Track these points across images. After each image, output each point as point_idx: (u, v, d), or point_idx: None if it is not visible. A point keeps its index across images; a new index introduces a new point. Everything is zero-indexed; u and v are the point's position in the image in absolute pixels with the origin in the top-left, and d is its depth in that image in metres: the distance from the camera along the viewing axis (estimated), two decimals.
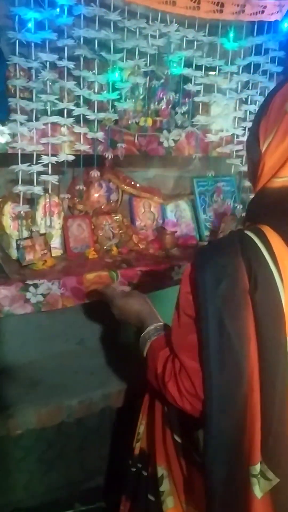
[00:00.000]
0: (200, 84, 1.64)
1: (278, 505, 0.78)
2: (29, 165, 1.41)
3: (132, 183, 1.83)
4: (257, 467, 0.77)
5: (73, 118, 1.44)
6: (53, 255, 1.59)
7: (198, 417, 0.84)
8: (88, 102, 1.48)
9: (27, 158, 1.41)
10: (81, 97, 1.45)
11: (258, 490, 0.77)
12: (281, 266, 0.75)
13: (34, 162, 1.42)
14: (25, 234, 1.53)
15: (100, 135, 1.49)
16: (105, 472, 1.70)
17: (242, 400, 0.77)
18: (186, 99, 1.67)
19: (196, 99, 1.66)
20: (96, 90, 1.48)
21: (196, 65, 1.61)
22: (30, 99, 1.38)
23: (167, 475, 1.02)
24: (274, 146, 0.81)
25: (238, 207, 1.93)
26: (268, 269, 0.75)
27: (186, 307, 0.83)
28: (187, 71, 1.61)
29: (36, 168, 1.42)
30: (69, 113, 1.43)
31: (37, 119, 1.39)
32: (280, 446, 0.77)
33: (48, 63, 1.38)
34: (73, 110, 1.43)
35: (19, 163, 1.39)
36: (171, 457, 1.01)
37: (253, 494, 0.77)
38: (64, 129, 1.44)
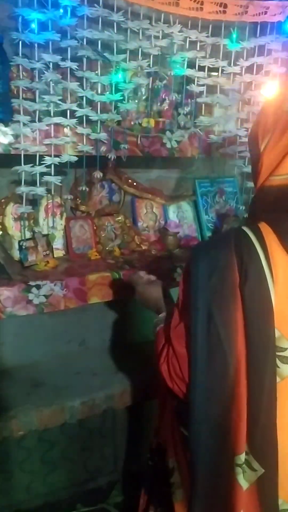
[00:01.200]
0: (203, 85, 1.64)
1: (263, 496, 0.79)
2: (32, 166, 1.41)
3: (135, 184, 1.83)
4: (242, 457, 0.78)
5: (76, 119, 1.44)
6: (55, 256, 1.59)
7: (184, 400, 0.87)
8: (91, 103, 1.48)
9: (30, 159, 1.41)
10: (84, 98, 1.45)
11: (243, 480, 0.79)
12: (272, 262, 0.77)
13: (37, 163, 1.42)
14: (28, 235, 1.53)
15: (103, 136, 1.49)
16: (108, 473, 1.70)
17: (227, 391, 0.79)
18: (189, 100, 1.67)
19: (199, 100, 1.66)
20: (99, 91, 1.48)
21: (199, 66, 1.61)
22: (33, 100, 1.38)
23: (177, 467, 1.04)
24: (272, 144, 0.83)
25: (240, 208, 1.93)
26: (259, 263, 0.77)
27: (182, 297, 0.87)
28: (190, 72, 1.61)
29: (39, 169, 1.42)
30: (72, 114, 1.43)
31: (40, 120, 1.39)
32: (267, 437, 0.78)
33: (51, 64, 1.38)
34: (76, 111, 1.43)
35: (22, 164, 1.40)
36: (179, 450, 1.03)
37: (238, 483, 0.79)
38: (67, 130, 1.44)
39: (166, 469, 1.07)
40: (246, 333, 0.77)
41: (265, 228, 0.80)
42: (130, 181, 1.81)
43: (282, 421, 0.77)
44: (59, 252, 1.64)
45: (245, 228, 0.81)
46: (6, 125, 1.34)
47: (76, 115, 1.44)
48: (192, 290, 0.81)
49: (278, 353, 0.77)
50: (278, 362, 0.77)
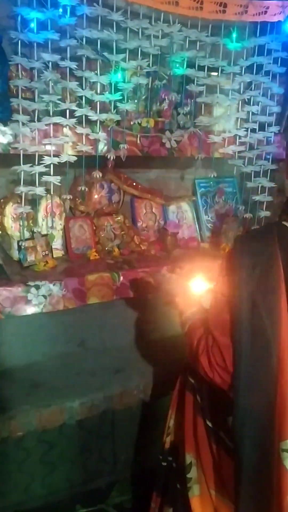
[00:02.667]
0: (203, 84, 1.63)
1: None
2: (31, 166, 1.41)
3: (134, 184, 1.82)
4: None
5: (75, 119, 1.43)
6: (54, 256, 1.59)
7: (227, 390, 0.89)
8: (90, 103, 1.47)
9: (29, 158, 1.41)
10: (84, 98, 1.45)
11: None
12: None
13: (36, 163, 1.42)
14: (27, 235, 1.52)
15: (102, 136, 1.49)
16: (107, 474, 1.69)
17: (271, 378, 0.81)
18: (189, 100, 1.67)
19: (198, 100, 1.65)
20: (98, 91, 1.47)
21: (198, 66, 1.61)
22: (32, 100, 1.38)
23: (195, 462, 1.05)
24: None
25: (240, 208, 1.93)
26: None
27: (223, 288, 0.89)
28: (189, 72, 1.61)
29: (38, 168, 1.42)
30: (71, 113, 1.43)
31: (39, 120, 1.39)
32: None
33: (50, 63, 1.37)
34: (75, 110, 1.43)
35: (21, 164, 1.39)
36: (201, 444, 1.04)
37: (285, 467, 0.79)
38: (66, 130, 1.44)
39: (181, 466, 1.07)
40: None
41: None
42: (129, 181, 1.81)
43: None
44: (58, 252, 1.64)
45: (286, 223, 0.84)
46: (5, 124, 1.34)
47: (75, 115, 1.43)
48: (236, 282, 0.84)
49: None
50: None
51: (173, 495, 1.11)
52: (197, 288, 1.20)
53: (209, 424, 1.04)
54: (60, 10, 1.37)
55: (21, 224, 1.52)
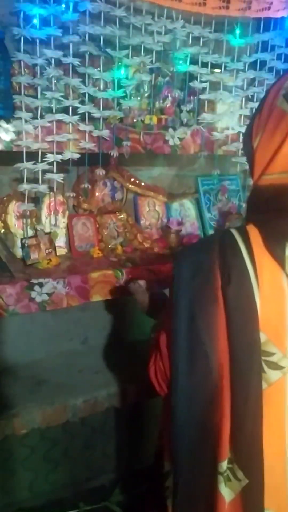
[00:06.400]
0: (206, 81, 1.62)
1: (248, 508, 0.75)
2: (34, 163, 1.40)
3: (137, 181, 1.82)
4: (224, 465, 0.75)
5: (78, 116, 1.43)
6: (58, 254, 1.59)
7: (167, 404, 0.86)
8: (93, 100, 1.47)
9: (32, 156, 1.40)
10: (86, 95, 1.44)
11: (226, 489, 0.75)
12: (257, 264, 0.74)
13: (39, 160, 1.41)
14: (30, 233, 1.52)
15: (105, 133, 1.48)
16: (110, 472, 1.69)
17: (210, 395, 0.75)
18: (192, 96, 1.66)
19: (201, 96, 1.65)
20: (101, 88, 1.47)
21: (202, 62, 1.60)
22: (35, 97, 1.37)
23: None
24: (264, 142, 0.78)
25: (243, 205, 1.92)
26: (243, 265, 0.74)
27: (168, 299, 0.86)
28: (192, 68, 1.60)
29: (41, 166, 1.41)
30: (74, 110, 1.42)
31: (42, 117, 1.38)
32: (252, 446, 0.74)
33: (53, 60, 1.36)
34: (78, 107, 1.42)
35: (24, 161, 1.38)
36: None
37: (220, 493, 0.75)
38: (69, 127, 1.43)
39: (162, 473, 1.04)
40: (229, 337, 0.74)
41: (252, 230, 0.77)
42: (132, 178, 1.80)
43: (268, 429, 0.73)
44: (61, 250, 1.63)
45: (232, 230, 0.79)
46: (8, 121, 1.33)
47: (78, 112, 1.43)
48: (174, 293, 0.79)
49: (264, 358, 0.73)
50: (264, 367, 0.73)
51: (156, 499, 1.06)
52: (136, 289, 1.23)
53: None
54: (63, 6, 1.36)
55: (24, 222, 1.51)
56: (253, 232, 0.76)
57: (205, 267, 0.76)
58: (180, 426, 0.79)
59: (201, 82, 1.62)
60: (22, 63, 1.34)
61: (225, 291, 0.74)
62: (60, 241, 1.63)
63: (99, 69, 1.45)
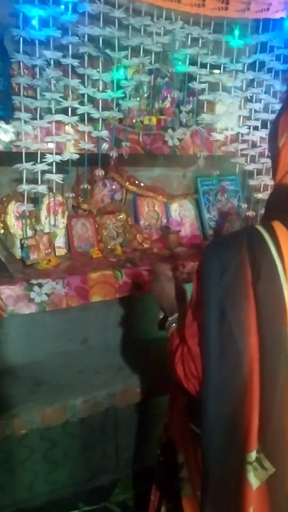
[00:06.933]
0: (205, 82, 1.63)
1: (273, 495, 0.79)
2: (33, 164, 1.41)
3: (136, 182, 1.82)
4: (253, 455, 0.78)
5: (78, 117, 1.43)
6: (57, 254, 1.59)
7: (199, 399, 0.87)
8: (92, 101, 1.47)
9: (31, 156, 1.40)
10: (86, 95, 1.44)
11: (254, 478, 0.78)
12: (286, 261, 0.76)
13: (39, 161, 1.42)
14: (29, 233, 1.52)
15: (104, 133, 1.48)
16: (110, 472, 1.69)
17: (240, 388, 0.78)
18: (191, 97, 1.66)
19: (201, 97, 1.65)
20: (100, 88, 1.47)
21: (201, 63, 1.60)
22: (34, 97, 1.37)
23: (186, 462, 1.05)
24: None
25: (242, 206, 1.92)
26: (272, 262, 0.76)
27: (195, 297, 0.87)
28: (192, 69, 1.60)
29: (41, 167, 1.42)
30: (74, 111, 1.43)
31: (41, 118, 1.38)
32: (279, 436, 0.78)
33: (52, 60, 1.37)
34: (77, 108, 1.43)
35: (23, 162, 1.39)
36: (188, 446, 1.03)
37: (248, 481, 0.78)
38: (68, 128, 1.44)
39: (176, 464, 1.07)
40: (258, 332, 0.77)
41: (278, 226, 0.79)
42: (132, 179, 1.80)
43: None
44: (61, 251, 1.63)
45: (258, 227, 0.81)
46: (7, 122, 1.33)
47: (78, 113, 1.43)
48: (204, 289, 0.81)
49: None
50: None
51: (170, 490, 1.11)
52: (162, 271, 1.12)
53: (193, 427, 1.01)
54: (62, 7, 1.36)
55: (24, 222, 1.51)
56: (280, 229, 0.79)
57: (235, 264, 0.78)
58: (211, 419, 0.82)
59: (200, 83, 1.62)
60: (21, 64, 1.34)
61: (255, 287, 0.76)
62: (60, 242, 1.63)
63: (98, 70, 1.45)
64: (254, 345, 0.77)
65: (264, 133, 1.77)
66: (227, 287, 0.79)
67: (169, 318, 1.04)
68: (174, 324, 1.01)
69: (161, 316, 1.13)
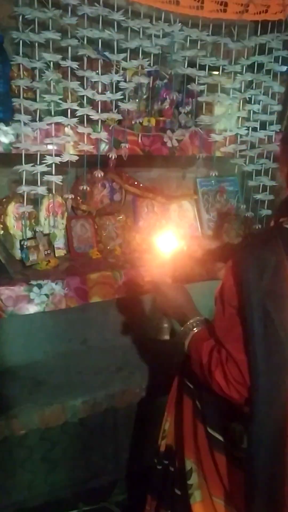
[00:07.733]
0: (204, 84, 1.63)
1: None
2: (33, 165, 1.42)
3: (136, 183, 1.82)
4: None
5: (77, 118, 1.44)
6: (56, 255, 1.59)
7: (245, 405, 0.86)
8: (91, 102, 1.48)
9: (31, 158, 1.41)
10: (85, 97, 1.45)
11: None
12: None
13: (38, 162, 1.42)
14: (29, 234, 1.53)
15: (103, 135, 1.49)
16: (109, 472, 1.70)
17: (287, 391, 0.79)
18: (190, 99, 1.67)
19: (199, 99, 1.66)
20: (99, 90, 1.48)
21: (199, 65, 1.61)
22: (34, 99, 1.38)
23: (196, 469, 1.03)
24: None
25: (241, 207, 1.93)
26: None
27: (231, 300, 0.85)
28: (190, 71, 1.61)
29: (40, 168, 1.43)
30: (73, 113, 1.43)
31: (40, 119, 1.39)
32: None
33: (51, 63, 1.38)
34: (76, 110, 1.43)
35: (23, 163, 1.40)
36: (202, 451, 1.02)
37: None
38: (67, 129, 1.44)
39: (180, 472, 1.05)
40: None
41: None
42: (131, 180, 1.81)
43: None
44: (60, 251, 1.64)
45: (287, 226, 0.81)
46: (7, 124, 1.34)
47: (77, 114, 1.44)
48: (244, 293, 0.80)
49: None
50: None
51: (170, 499, 1.08)
52: (165, 246, 1.10)
53: (210, 431, 1.01)
54: (61, 10, 1.37)
55: (23, 223, 1.52)
56: None
57: (273, 264, 0.79)
58: (262, 423, 0.81)
59: (199, 84, 1.63)
60: (21, 66, 1.35)
61: None
62: (59, 243, 1.64)
63: (97, 72, 1.46)
64: None
65: (263, 134, 1.78)
66: (268, 288, 0.79)
67: (188, 322, 0.99)
68: (195, 329, 0.97)
69: (165, 325, 1.11)
